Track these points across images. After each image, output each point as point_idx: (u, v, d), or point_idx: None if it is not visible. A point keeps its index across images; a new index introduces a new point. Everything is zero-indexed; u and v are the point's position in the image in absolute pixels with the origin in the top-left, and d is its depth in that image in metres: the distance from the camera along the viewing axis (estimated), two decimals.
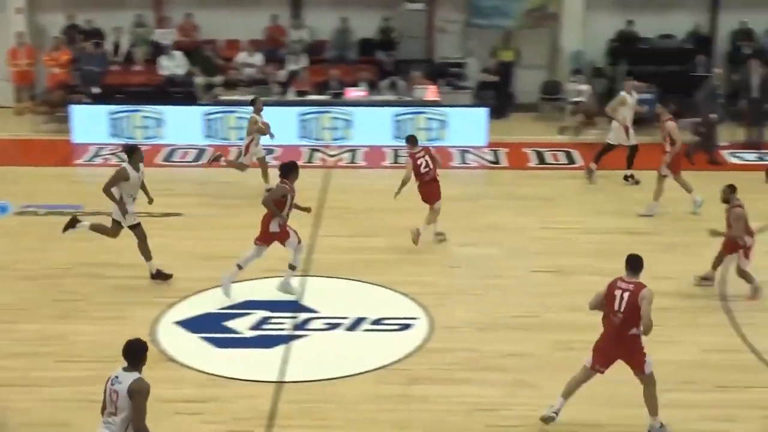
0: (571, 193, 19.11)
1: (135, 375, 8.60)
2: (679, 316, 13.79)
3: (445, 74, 24.22)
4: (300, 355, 12.64)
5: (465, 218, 17.22)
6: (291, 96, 23.18)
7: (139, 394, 8.50)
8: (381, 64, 24.66)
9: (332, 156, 21.48)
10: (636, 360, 10.71)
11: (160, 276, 14.61)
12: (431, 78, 23.73)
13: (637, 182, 19.41)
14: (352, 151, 21.65)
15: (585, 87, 23.23)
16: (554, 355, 12.67)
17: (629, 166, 19.57)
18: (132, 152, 14.38)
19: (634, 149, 19.59)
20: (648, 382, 10.77)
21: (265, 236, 13.90)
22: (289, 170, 13.94)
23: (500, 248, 16.19)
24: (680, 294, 14.47)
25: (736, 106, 22.47)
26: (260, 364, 12.35)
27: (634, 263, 10.68)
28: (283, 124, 21.83)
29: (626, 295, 10.47)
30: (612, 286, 10.60)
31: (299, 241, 14.03)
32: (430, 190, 15.96)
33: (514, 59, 24.55)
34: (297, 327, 13.36)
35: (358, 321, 13.54)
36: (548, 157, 21.30)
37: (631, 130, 19.52)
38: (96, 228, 14.67)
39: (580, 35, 24.76)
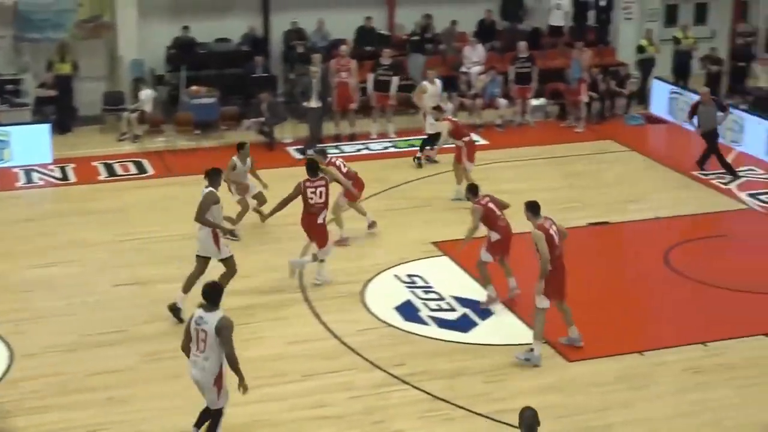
0: (145, 202, 18.94)
1: (219, 314, 10.02)
2: (263, 312, 14.18)
3: (1, 92, 23.21)
4: None
5: (38, 239, 16.67)
6: None
7: (226, 328, 9.99)
8: None
9: None
10: None
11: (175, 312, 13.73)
12: None
13: (434, 161, 20.55)
14: None
15: (147, 95, 23.11)
16: (143, 368, 12.65)
17: (422, 149, 20.62)
18: (215, 174, 13.84)
19: (434, 137, 20.20)
20: None
21: (318, 234, 14.95)
22: (312, 168, 14.92)
23: (79, 266, 15.82)
24: (261, 290, 14.86)
25: (298, 102, 23.05)
26: None
27: (537, 206, 12.50)
28: None
29: (554, 227, 12.51)
30: (547, 232, 12.32)
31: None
32: (359, 184, 16.76)
33: (72, 72, 23.95)
34: None
35: None
36: (118, 168, 20.87)
37: (429, 119, 20.19)
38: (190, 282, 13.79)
39: (138, 44, 24.60)
